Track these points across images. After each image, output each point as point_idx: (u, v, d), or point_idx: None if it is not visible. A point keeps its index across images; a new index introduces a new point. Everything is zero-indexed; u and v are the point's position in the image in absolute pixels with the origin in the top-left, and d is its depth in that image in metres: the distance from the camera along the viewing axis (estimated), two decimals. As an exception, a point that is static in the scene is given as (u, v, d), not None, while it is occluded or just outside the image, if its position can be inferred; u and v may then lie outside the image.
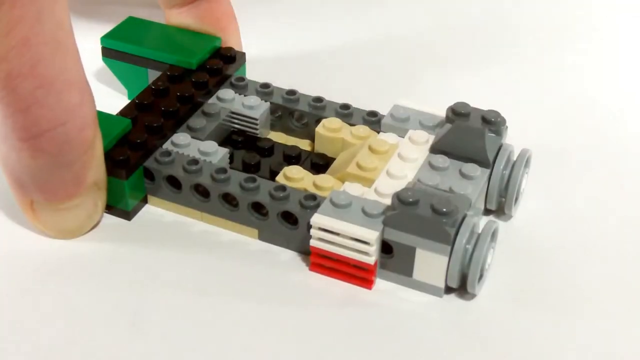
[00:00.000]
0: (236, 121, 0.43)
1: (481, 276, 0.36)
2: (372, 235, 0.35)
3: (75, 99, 0.34)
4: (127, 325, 0.34)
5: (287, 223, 0.38)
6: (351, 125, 0.42)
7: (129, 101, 0.45)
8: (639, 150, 0.45)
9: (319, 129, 0.42)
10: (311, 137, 0.43)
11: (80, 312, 0.35)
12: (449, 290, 0.36)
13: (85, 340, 0.34)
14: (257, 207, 0.38)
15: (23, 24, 0.32)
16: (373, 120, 0.42)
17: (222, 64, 0.44)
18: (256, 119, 0.42)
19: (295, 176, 0.39)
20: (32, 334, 0.34)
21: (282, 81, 0.45)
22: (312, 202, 0.37)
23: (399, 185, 0.37)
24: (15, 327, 0.34)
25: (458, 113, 0.40)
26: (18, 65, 0.32)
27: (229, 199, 0.38)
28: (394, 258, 0.36)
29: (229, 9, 0.47)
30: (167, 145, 0.40)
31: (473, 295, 0.36)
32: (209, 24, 0.46)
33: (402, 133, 0.41)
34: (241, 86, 0.44)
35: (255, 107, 0.43)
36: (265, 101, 0.43)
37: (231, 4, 0.47)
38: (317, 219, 0.36)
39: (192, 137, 0.41)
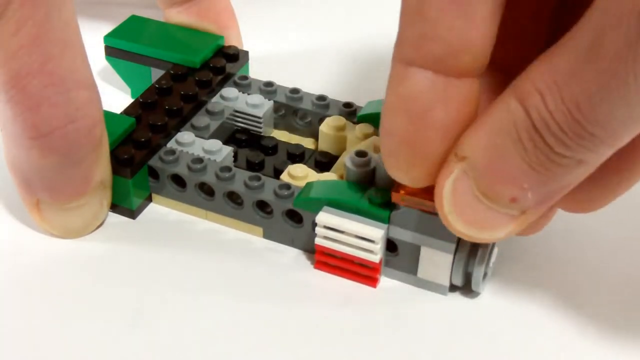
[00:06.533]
0: (240, 120, 0.43)
1: (485, 274, 0.36)
2: (377, 233, 0.35)
3: (84, 97, 0.35)
4: (130, 324, 0.35)
5: (291, 221, 0.38)
6: (355, 123, 0.42)
7: (132, 100, 0.45)
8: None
9: (323, 127, 0.42)
10: (315, 135, 0.43)
11: (84, 311, 0.35)
12: (453, 288, 0.37)
13: (87, 339, 0.34)
14: (262, 206, 0.38)
15: (32, 22, 0.32)
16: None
17: (225, 62, 0.44)
18: (260, 118, 0.42)
19: (299, 174, 0.39)
20: (35, 333, 0.34)
21: (285, 80, 0.45)
22: (316, 200, 0.37)
23: (403, 184, 0.37)
24: (18, 326, 0.34)
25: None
26: (27, 63, 0.33)
27: (233, 198, 0.38)
28: (398, 256, 0.36)
29: (228, 6, 0.47)
30: (171, 144, 0.40)
31: (477, 294, 0.36)
32: (208, 22, 0.46)
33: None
34: (244, 85, 0.44)
35: (259, 106, 0.43)
36: (269, 100, 0.43)
37: (230, 1, 0.47)
38: (322, 217, 0.36)
39: (196, 136, 0.40)
